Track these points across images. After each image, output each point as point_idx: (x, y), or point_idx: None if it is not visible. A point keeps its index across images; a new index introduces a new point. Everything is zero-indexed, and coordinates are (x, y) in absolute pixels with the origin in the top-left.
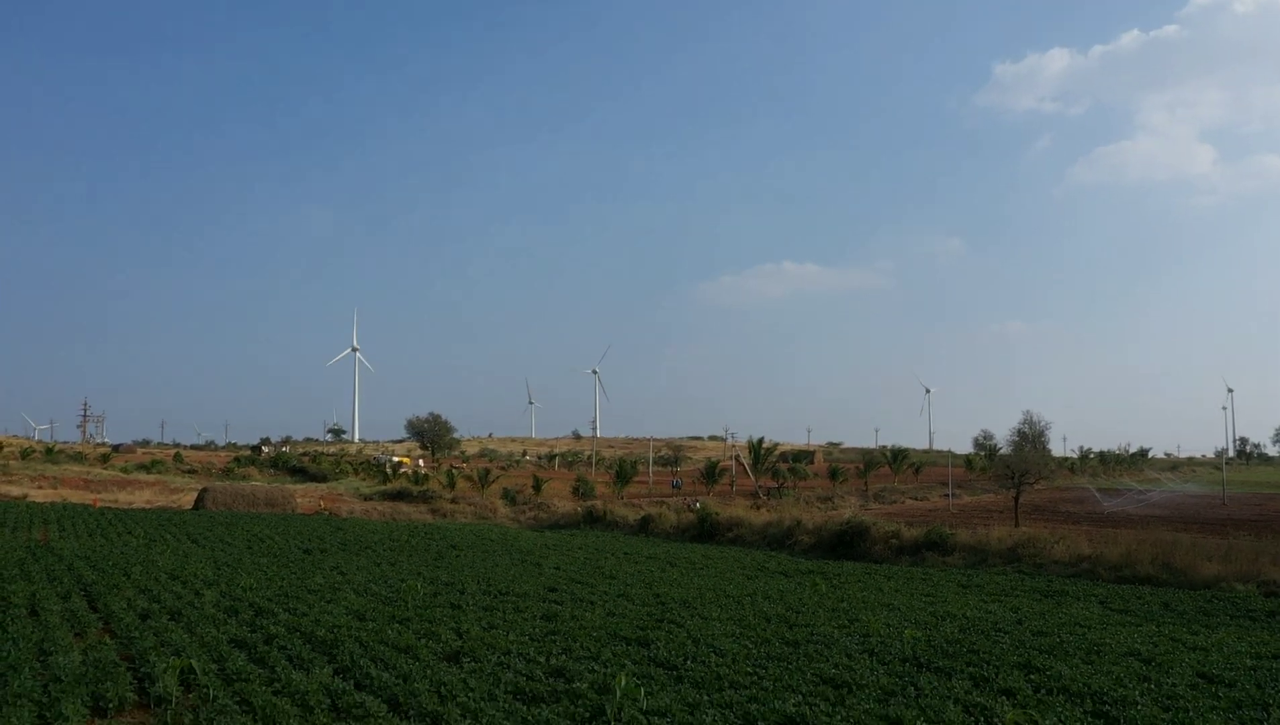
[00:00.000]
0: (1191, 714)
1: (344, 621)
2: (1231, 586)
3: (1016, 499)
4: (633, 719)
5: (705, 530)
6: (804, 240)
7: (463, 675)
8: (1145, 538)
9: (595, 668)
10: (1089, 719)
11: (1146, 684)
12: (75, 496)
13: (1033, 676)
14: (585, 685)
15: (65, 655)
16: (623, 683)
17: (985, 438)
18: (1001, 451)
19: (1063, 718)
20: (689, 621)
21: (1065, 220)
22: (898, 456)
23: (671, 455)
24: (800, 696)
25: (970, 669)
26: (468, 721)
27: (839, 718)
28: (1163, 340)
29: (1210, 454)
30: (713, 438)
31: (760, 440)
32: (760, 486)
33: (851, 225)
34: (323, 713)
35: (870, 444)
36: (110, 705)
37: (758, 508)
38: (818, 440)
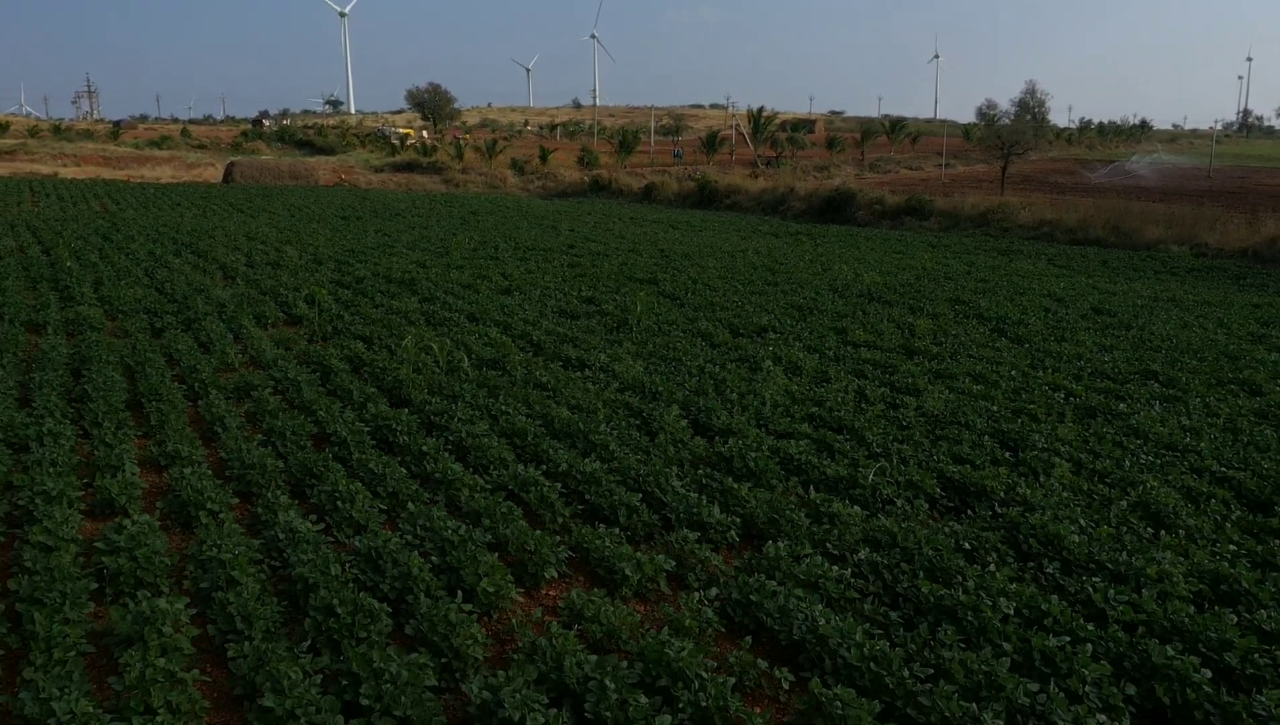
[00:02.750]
0: (1066, 330)
1: (411, 268)
2: (1168, 248)
3: (1004, 169)
4: (648, 327)
5: (704, 197)
6: None
7: (516, 302)
8: (1102, 204)
9: (616, 298)
10: (988, 333)
11: (1047, 314)
12: (105, 174)
13: (958, 307)
14: (611, 307)
15: (217, 290)
16: (642, 299)
17: (989, 107)
18: (1000, 121)
19: (965, 329)
20: (689, 269)
21: None
22: (896, 126)
23: (672, 125)
24: (773, 316)
25: (910, 302)
26: (529, 327)
27: (800, 327)
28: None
29: (1215, 127)
30: (714, 106)
31: (760, 110)
32: (759, 156)
33: None
34: (421, 324)
35: (873, 114)
36: (268, 321)
37: (755, 176)
38: (819, 109)
